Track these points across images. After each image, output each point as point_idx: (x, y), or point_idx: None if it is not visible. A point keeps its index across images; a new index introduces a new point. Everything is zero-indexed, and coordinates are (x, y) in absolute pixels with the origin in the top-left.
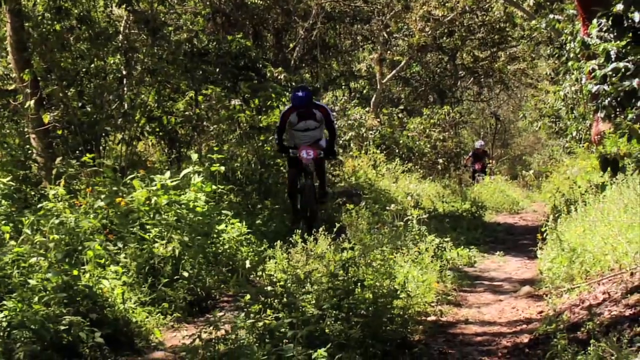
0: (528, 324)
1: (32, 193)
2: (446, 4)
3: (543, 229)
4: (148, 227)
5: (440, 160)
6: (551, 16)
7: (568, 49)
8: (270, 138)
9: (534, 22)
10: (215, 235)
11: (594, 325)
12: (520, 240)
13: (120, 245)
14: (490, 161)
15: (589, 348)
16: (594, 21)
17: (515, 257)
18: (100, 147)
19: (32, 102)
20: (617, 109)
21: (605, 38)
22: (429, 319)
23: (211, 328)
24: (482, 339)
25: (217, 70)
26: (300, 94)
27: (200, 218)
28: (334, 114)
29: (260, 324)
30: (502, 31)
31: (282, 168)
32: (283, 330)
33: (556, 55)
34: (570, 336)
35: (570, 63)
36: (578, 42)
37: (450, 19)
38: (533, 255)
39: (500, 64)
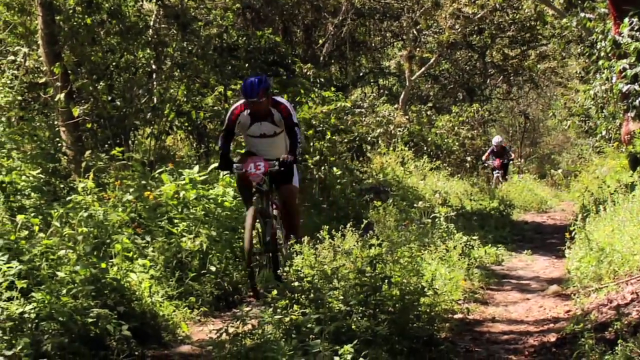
0: (555, 323)
1: (62, 186)
2: (476, 2)
3: (571, 228)
4: (176, 221)
5: (469, 158)
6: (582, 14)
7: (599, 48)
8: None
9: (564, 20)
10: (242, 230)
11: (621, 325)
12: (548, 239)
13: (148, 238)
14: (513, 158)
15: (616, 348)
16: (626, 20)
17: (543, 256)
18: (129, 141)
19: (62, 95)
20: None
21: (637, 37)
22: (455, 316)
23: (238, 322)
24: (508, 338)
25: (247, 65)
26: (251, 79)
27: (228, 213)
28: (296, 115)
29: (287, 319)
30: (532, 29)
31: (310, 164)
32: (310, 325)
33: (587, 54)
34: (597, 336)
35: (600, 62)
36: (609, 41)
37: (481, 16)
38: (561, 255)
39: (530, 63)
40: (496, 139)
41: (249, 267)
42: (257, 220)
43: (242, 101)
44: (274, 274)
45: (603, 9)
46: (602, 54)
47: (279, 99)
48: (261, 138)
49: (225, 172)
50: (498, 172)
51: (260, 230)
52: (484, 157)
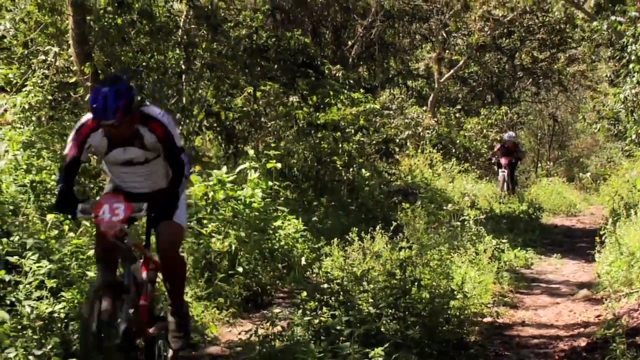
0: (586, 327)
1: (91, 185)
2: (506, 4)
3: (601, 232)
4: (205, 222)
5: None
6: (612, 18)
7: (629, 51)
8: (327, 135)
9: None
10: (271, 232)
11: None
12: (578, 243)
13: None
14: (521, 157)
15: None
16: None
17: (572, 260)
18: None
19: None
20: None
21: None
22: (485, 320)
23: (267, 324)
24: (538, 342)
25: (276, 66)
26: (104, 91)
27: (257, 214)
28: (178, 135)
29: (317, 321)
30: (562, 32)
31: (338, 165)
32: (339, 328)
33: (617, 58)
34: (629, 341)
35: (631, 65)
36: None
37: (510, 19)
38: (591, 259)
39: (560, 66)
40: (508, 134)
41: None
42: (106, 300)
43: (88, 116)
44: None
45: (634, 12)
46: (633, 57)
47: (152, 111)
48: (128, 166)
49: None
50: (504, 171)
51: (109, 312)
52: (493, 152)
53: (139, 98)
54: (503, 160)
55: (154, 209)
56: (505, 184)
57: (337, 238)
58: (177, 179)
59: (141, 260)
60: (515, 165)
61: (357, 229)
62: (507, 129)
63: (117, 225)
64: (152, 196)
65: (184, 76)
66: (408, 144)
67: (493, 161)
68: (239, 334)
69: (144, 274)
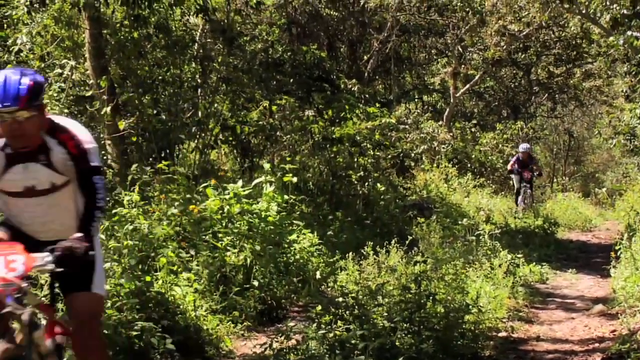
0: (601, 342)
1: (107, 199)
2: (522, 19)
3: (617, 247)
4: (220, 235)
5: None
6: (629, 33)
7: None
8: (342, 149)
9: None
10: (286, 245)
11: None
12: (593, 258)
13: (192, 252)
14: (540, 172)
15: None
16: None
17: (587, 275)
18: (174, 155)
19: (109, 108)
20: None
21: None
22: (500, 334)
23: (282, 338)
24: (553, 357)
25: (292, 80)
26: (5, 75)
27: (272, 228)
28: (96, 151)
29: (331, 335)
30: (578, 47)
31: (354, 179)
32: (354, 342)
33: (633, 73)
34: None
35: None
36: None
37: (526, 34)
38: (606, 274)
39: (576, 81)
40: (523, 146)
41: None
42: None
43: None
44: None
45: None
46: None
47: (65, 121)
48: (27, 197)
49: None
50: (526, 186)
51: None
52: (509, 166)
53: (154, 112)
54: (526, 174)
55: (65, 264)
56: (526, 199)
57: (352, 252)
58: (90, 211)
59: (45, 325)
60: (532, 181)
61: (372, 243)
62: (521, 141)
63: (14, 283)
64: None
65: (199, 90)
66: (423, 158)
67: (513, 176)
68: (254, 347)
69: (49, 342)
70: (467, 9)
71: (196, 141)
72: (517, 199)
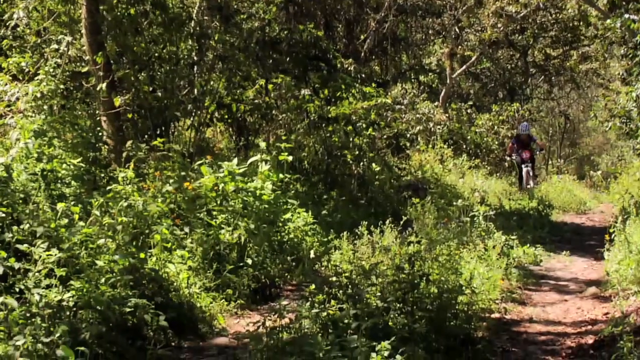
0: (593, 325)
1: (102, 175)
2: (519, 1)
3: (611, 230)
4: (215, 213)
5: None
6: (626, 16)
7: None
8: (338, 128)
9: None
10: (280, 224)
11: None
12: (587, 240)
13: (186, 230)
14: (543, 149)
15: None
16: None
17: (581, 258)
18: (170, 132)
19: (104, 85)
20: None
21: None
22: (493, 316)
23: (275, 316)
24: (546, 339)
25: (288, 59)
26: None
27: (267, 206)
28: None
29: (324, 314)
30: (575, 30)
31: (349, 159)
32: (347, 321)
33: (630, 56)
34: (636, 339)
35: None
36: None
37: (523, 15)
38: (600, 256)
39: (572, 63)
40: (523, 126)
41: None
42: None
43: None
44: None
45: None
46: None
47: None
48: None
49: None
50: (527, 166)
51: None
52: (507, 149)
53: (150, 89)
54: (525, 154)
55: None
56: (529, 179)
57: (346, 232)
58: None
59: None
60: (534, 160)
61: (366, 223)
62: (520, 121)
63: None
64: None
65: (195, 67)
66: (419, 139)
67: (513, 157)
68: (247, 325)
69: None
70: None
71: (192, 119)
72: (521, 181)
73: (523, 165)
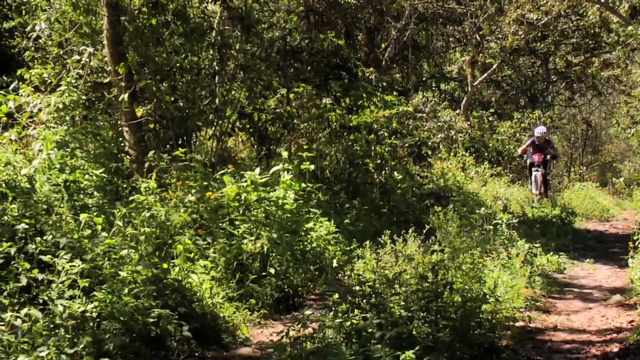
0: (618, 333)
1: (124, 185)
2: (541, 8)
3: (635, 237)
4: (237, 222)
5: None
6: None
7: None
8: (359, 137)
9: (629, 27)
10: (303, 233)
11: None
12: (611, 248)
13: (209, 240)
14: (558, 154)
15: None
16: None
17: (605, 265)
18: (191, 142)
19: (126, 95)
20: None
21: None
22: (517, 324)
23: (299, 326)
24: (570, 347)
25: (309, 68)
26: None
27: (289, 215)
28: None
29: (348, 323)
30: (596, 36)
31: (371, 168)
32: (371, 330)
33: None
34: None
35: None
36: None
37: (544, 22)
38: (624, 264)
39: (594, 70)
40: (539, 130)
41: None
42: None
43: None
44: None
45: None
46: None
47: None
48: None
49: None
50: (538, 170)
51: None
52: (520, 150)
53: (172, 99)
54: (536, 157)
55: None
56: (539, 184)
57: (369, 240)
58: None
59: None
60: (547, 163)
61: (389, 232)
62: (537, 125)
63: None
64: None
65: (217, 77)
66: (441, 147)
67: (524, 157)
68: (270, 335)
69: None
70: None
71: (213, 128)
72: (531, 186)
73: (534, 169)
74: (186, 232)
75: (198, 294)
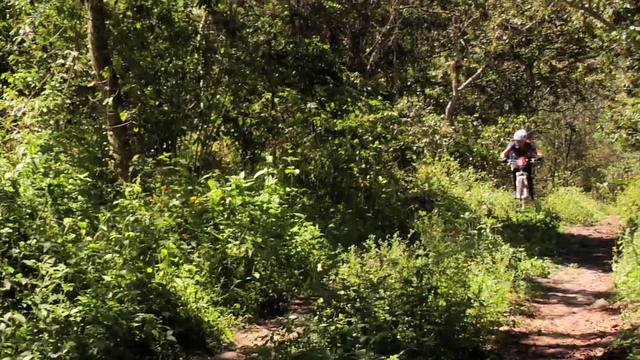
0: (602, 337)
1: (108, 190)
2: (525, 13)
3: (619, 242)
4: (222, 227)
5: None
6: (632, 27)
7: None
8: (344, 141)
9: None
10: (288, 238)
11: None
12: (595, 252)
13: (194, 244)
14: (541, 157)
15: None
16: None
17: (589, 270)
18: (176, 146)
19: (111, 99)
20: None
21: None
22: (501, 328)
23: (283, 330)
24: (555, 351)
25: (294, 72)
26: None
27: (274, 220)
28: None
29: (333, 327)
30: (580, 41)
31: (355, 172)
32: (355, 335)
33: (635, 67)
34: None
35: None
36: None
37: (529, 27)
38: (608, 268)
39: (578, 75)
40: (519, 133)
41: None
42: None
43: None
44: None
45: None
46: None
47: None
48: None
49: None
50: (522, 174)
51: None
52: (502, 155)
53: (156, 103)
54: (520, 162)
55: None
56: (524, 188)
57: (353, 245)
58: None
59: None
60: (531, 167)
61: (374, 236)
62: (517, 129)
63: None
64: None
65: (202, 81)
66: (425, 151)
67: (508, 162)
68: (255, 339)
69: None
70: (470, 2)
71: (198, 133)
72: (515, 191)
73: (517, 174)
74: (171, 237)
75: (182, 298)
